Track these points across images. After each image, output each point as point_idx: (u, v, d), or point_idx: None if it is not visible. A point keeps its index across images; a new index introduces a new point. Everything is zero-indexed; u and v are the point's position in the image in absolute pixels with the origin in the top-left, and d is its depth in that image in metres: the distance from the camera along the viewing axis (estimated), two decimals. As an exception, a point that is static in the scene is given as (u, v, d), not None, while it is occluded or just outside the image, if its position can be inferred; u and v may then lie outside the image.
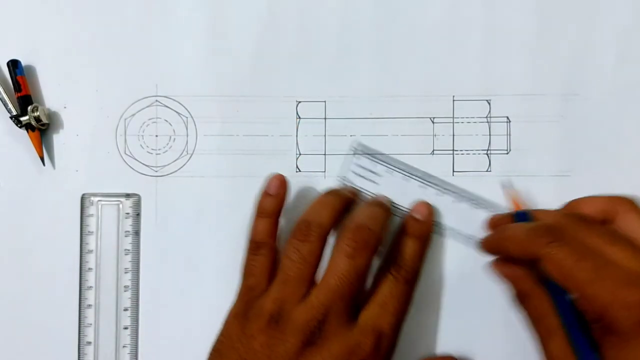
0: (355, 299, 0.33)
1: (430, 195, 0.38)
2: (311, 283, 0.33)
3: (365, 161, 0.38)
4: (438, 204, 0.38)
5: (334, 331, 0.31)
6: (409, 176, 0.38)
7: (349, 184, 0.38)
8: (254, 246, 0.35)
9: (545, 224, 0.32)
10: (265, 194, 0.35)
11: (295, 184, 0.38)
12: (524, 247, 0.31)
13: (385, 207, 0.36)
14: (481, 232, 0.37)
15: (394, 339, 0.33)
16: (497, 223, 0.36)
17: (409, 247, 0.35)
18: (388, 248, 0.36)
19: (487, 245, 0.35)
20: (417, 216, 0.36)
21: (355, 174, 0.38)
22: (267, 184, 0.36)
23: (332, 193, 0.36)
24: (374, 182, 0.38)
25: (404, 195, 0.38)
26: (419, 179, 0.38)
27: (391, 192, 0.38)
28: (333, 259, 0.33)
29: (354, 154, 0.37)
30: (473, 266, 0.37)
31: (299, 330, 0.31)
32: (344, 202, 0.35)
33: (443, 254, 0.38)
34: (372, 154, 0.38)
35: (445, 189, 0.38)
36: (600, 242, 0.30)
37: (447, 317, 0.37)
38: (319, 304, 0.32)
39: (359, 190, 0.38)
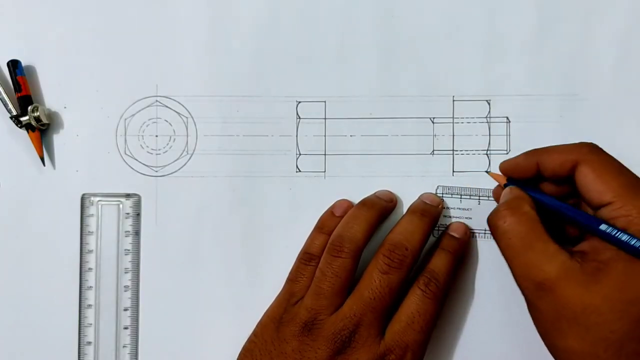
0: (386, 312, 0.33)
1: None
2: (344, 295, 0.34)
3: (452, 201, 0.38)
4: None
5: (363, 342, 0.32)
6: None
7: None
8: (308, 257, 0.36)
9: (586, 142, 0.32)
10: (332, 214, 0.37)
11: (295, 184, 0.38)
12: (566, 154, 0.31)
13: (427, 218, 0.36)
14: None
15: (420, 355, 0.33)
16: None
17: (442, 262, 0.35)
18: (420, 261, 0.36)
19: (523, 160, 0.34)
20: (454, 234, 0.37)
21: (447, 217, 0.38)
22: (335, 205, 0.37)
23: (367, 204, 0.36)
24: (469, 217, 0.37)
25: None
26: None
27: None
28: (368, 272, 0.34)
29: (441, 198, 0.38)
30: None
31: (330, 339, 0.32)
32: (380, 213, 0.36)
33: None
34: (456, 193, 0.38)
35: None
36: None
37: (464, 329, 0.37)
38: (351, 315, 0.33)
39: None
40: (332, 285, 0.33)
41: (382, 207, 0.36)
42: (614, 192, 0.29)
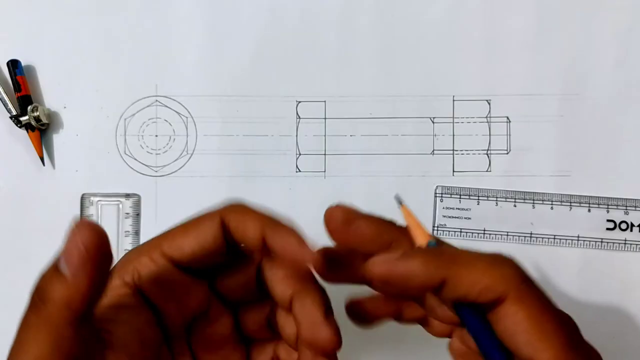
0: None
1: (527, 211, 0.37)
2: None
3: (451, 201, 0.38)
4: (541, 215, 0.37)
5: None
6: (497, 200, 0.38)
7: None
8: None
9: (507, 256, 0.23)
10: None
11: (295, 184, 0.38)
12: (489, 278, 0.22)
13: None
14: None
15: None
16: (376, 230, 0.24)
17: None
18: None
19: (423, 270, 0.22)
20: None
21: (447, 217, 0.38)
22: None
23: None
24: (468, 218, 0.38)
25: (502, 221, 0.38)
26: (511, 200, 0.37)
27: (488, 222, 0.38)
28: None
29: (441, 199, 0.37)
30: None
31: None
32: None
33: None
34: (455, 193, 0.38)
35: (543, 200, 0.37)
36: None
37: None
38: None
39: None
40: None
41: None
42: (554, 352, 0.21)
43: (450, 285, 0.22)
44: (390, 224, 0.25)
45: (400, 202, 0.25)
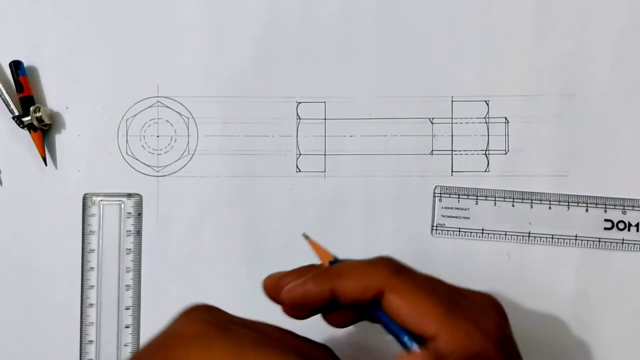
0: None
1: (525, 211, 0.38)
2: None
3: (450, 201, 0.38)
4: (539, 215, 0.38)
5: None
6: (496, 200, 0.38)
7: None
8: None
9: (383, 257, 0.27)
10: None
11: (295, 184, 0.39)
12: (366, 280, 0.25)
13: None
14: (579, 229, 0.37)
15: None
16: (294, 278, 0.28)
17: None
18: None
19: (313, 286, 0.26)
20: None
21: (445, 216, 0.38)
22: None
23: None
24: (466, 217, 0.38)
25: (500, 221, 0.38)
26: (509, 200, 0.38)
27: (486, 222, 0.38)
28: None
29: (439, 199, 0.38)
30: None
31: None
32: None
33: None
34: (454, 193, 0.38)
35: (541, 200, 0.38)
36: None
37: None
38: None
39: None
40: None
41: None
42: (437, 323, 0.24)
43: (340, 294, 0.26)
44: (307, 267, 0.29)
45: (306, 237, 0.30)
